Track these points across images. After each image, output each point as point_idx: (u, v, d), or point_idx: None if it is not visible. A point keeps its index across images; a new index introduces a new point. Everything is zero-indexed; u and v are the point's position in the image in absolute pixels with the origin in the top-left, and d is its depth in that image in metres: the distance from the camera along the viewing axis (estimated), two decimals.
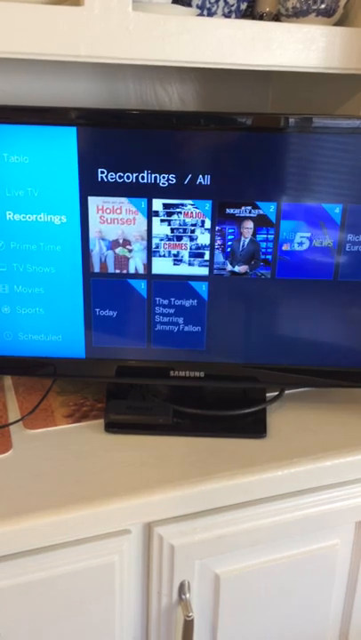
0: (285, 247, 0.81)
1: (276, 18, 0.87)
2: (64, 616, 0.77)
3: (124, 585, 0.79)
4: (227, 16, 0.83)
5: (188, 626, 0.80)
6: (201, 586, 0.84)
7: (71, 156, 0.76)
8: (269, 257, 0.82)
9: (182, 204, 0.79)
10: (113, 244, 0.81)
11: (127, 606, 0.81)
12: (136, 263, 0.82)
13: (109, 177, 0.77)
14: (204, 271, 0.82)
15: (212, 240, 0.81)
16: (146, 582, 0.82)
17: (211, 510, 0.79)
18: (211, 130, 0.77)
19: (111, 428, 0.86)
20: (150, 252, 0.81)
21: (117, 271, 0.82)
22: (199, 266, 0.82)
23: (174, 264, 0.82)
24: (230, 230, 0.80)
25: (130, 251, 0.81)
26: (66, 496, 0.73)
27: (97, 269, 0.82)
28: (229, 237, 0.81)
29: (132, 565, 0.79)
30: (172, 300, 0.84)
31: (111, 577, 0.77)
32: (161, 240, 0.81)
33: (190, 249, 0.81)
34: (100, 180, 0.77)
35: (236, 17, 0.84)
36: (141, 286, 0.83)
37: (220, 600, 0.85)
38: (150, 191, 0.78)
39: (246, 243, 0.81)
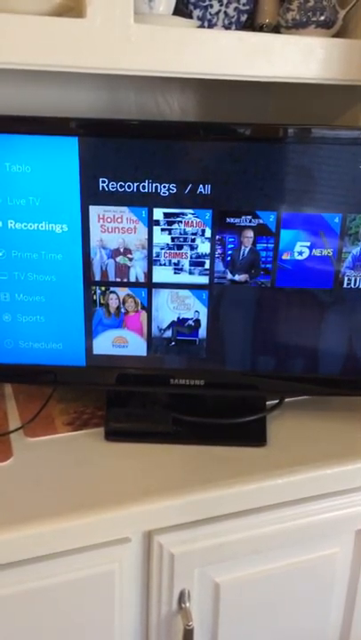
0: (285, 256, 0.82)
1: (276, 29, 0.88)
2: (63, 624, 0.77)
3: (123, 593, 0.79)
4: (227, 28, 0.84)
5: (188, 635, 0.80)
6: (201, 594, 0.84)
7: (73, 166, 0.77)
8: (269, 266, 0.82)
9: (183, 214, 0.79)
10: (114, 253, 0.81)
11: (127, 615, 0.81)
12: (137, 272, 0.82)
13: (110, 186, 0.78)
14: (205, 280, 0.83)
15: (213, 249, 0.81)
16: (146, 591, 0.82)
17: (211, 518, 0.79)
18: (211, 140, 0.77)
19: (111, 435, 0.86)
20: (151, 261, 0.82)
21: (118, 279, 0.83)
22: (199, 274, 0.83)
23: (175, 273, 0.82)
24: (230, 239, 0.81)
25: (130, 259, 0.82)
26: (66, 504, 0.73)
27: (98, 278, 0.83)
28: (229, 246, 0.81)
29: (131, 574, 0.79)
30: (172, 308, 0.84)
31: (111, 585, 0.77)
32: (161, 249, 0.81)
33: (191, 258, 0.82)
34: (101, 189, 0.78)
35: (237, 28, 0.85)
36: (142, 295, 0.84)
37: (220, 609, 0.85)
38: (151, 200, 0.79)
39: (246, 252, 0.82)
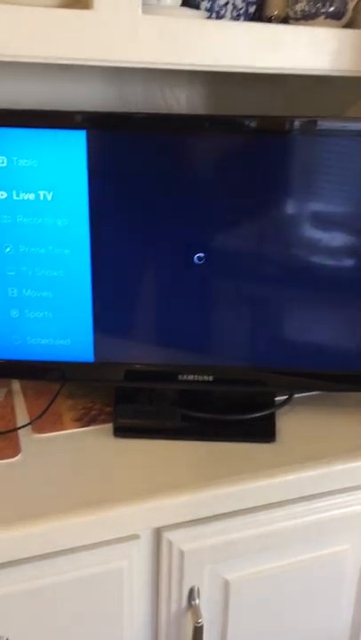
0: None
1: (285, 21, 0.87)
2: (72, 622, 0.77)
3: (133, 590, 0.79)
4: (235, 19, 0.83)
5: (198, 632, 0.80)
6: (211, 591, 0.83)
7: (80, 160, 0.76)
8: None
9: None
10: None
11: (136, 612, 0.81)
12: None
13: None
14: None
15: None
16: (155, 588, 0.81)
17: (220, 515, 0.79)
18: (219, 132, 0.77)
19: (119, 432, 0.86)
20: None
21: None
22: None
23: None
24: None
25: None
26: (74, 501, 0.73)
27: None
28: None
29: (141, 571, 0.79)
30: (182, 303, 0.84)
31: (120, 582, 0.77)
32: None
33: None
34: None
35: (245, 20, 0.84)
36: None
37: (230, 606, 0.85)
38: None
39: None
